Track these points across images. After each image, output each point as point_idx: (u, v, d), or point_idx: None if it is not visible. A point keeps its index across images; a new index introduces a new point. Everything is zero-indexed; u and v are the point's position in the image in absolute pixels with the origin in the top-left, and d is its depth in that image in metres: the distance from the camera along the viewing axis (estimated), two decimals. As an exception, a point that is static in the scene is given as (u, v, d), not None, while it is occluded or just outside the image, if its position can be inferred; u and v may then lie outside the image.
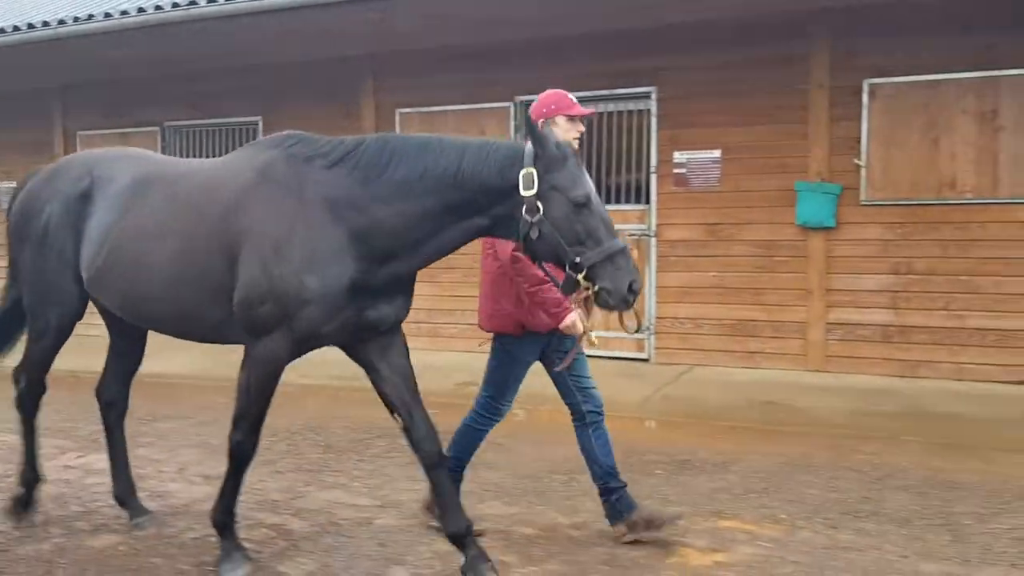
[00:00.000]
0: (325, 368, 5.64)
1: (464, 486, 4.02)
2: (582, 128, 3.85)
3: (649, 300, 8.03)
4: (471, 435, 4.03)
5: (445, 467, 3.50)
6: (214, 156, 9.10)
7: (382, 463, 5.22)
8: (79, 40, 8.58)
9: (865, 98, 7.22)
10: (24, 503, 4.20)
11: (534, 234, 3.13)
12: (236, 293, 3.31)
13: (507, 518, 4.24)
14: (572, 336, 3.72)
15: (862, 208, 7.28)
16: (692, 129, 7.88)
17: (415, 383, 3.50)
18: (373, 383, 3.53)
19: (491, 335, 4.00)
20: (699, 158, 7.89)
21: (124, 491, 4.24)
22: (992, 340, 6.88)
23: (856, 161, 7.25)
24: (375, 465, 5.19)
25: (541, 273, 3.56)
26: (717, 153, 7.81)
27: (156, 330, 3.84)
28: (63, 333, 4.06)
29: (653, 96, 8.01)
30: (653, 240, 8.04)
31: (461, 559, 3.40)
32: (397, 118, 9.08)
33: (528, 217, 3.12)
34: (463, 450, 4.04)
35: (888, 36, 7.12)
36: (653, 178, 8.06)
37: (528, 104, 3.98)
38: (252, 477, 4.08)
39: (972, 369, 6.94)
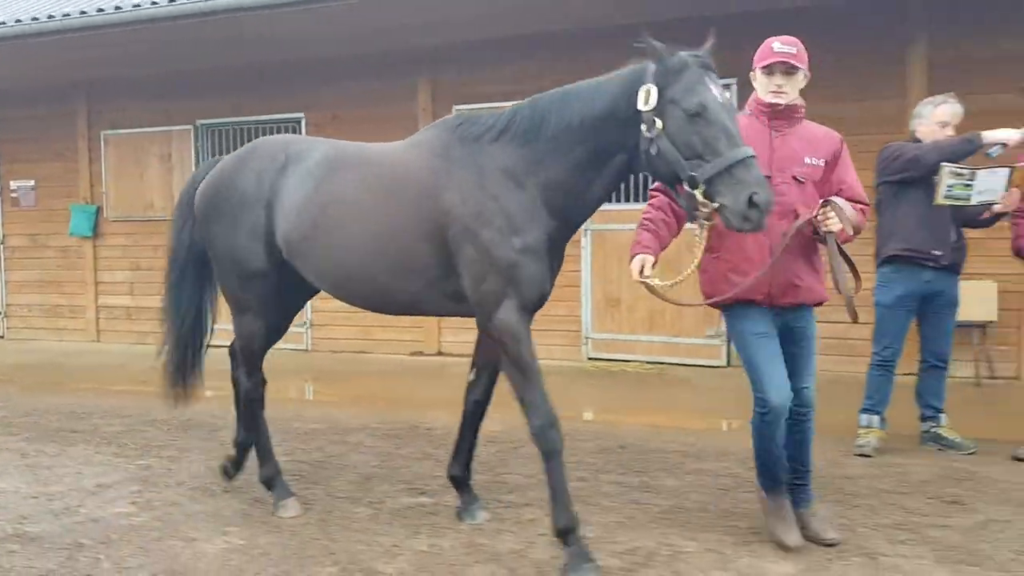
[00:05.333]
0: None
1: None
2: (780, 82, 3.46)
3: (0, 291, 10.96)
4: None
5: (479, 418, 3.87)
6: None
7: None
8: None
9: (103, 145, 10.26)
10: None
11: (653, 150, 3.03)
12: (463, 277, 3.41)
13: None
14: None
15: (110, 223, 10.39)
16: (18, 164, 10.89)
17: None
18: (481, 343, 3.81)
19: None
20: (24, 185, 10.84)
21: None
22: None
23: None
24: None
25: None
26: (32, 182, 10.80)
27: (353, 304, 3.90)
28: (263, 306, 3.99)
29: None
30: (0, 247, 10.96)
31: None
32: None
33: (646, 133, 3.03)
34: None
35: (114, 98, 10.16)
36: None
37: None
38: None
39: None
